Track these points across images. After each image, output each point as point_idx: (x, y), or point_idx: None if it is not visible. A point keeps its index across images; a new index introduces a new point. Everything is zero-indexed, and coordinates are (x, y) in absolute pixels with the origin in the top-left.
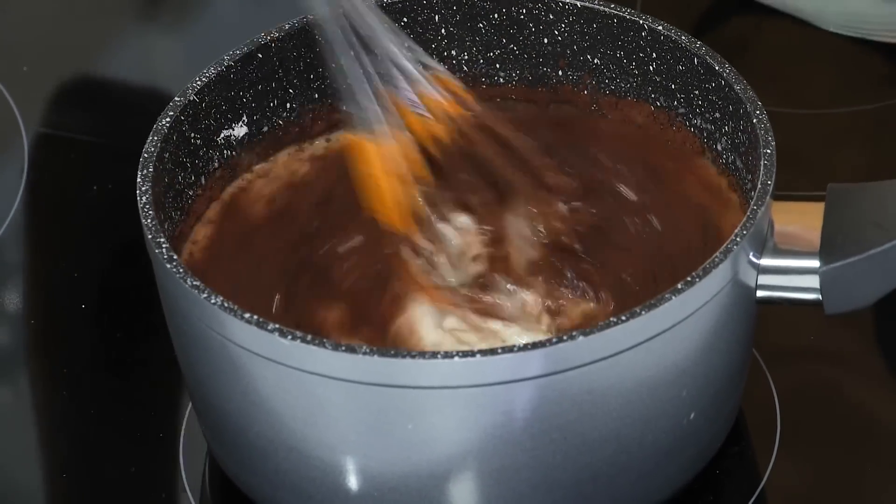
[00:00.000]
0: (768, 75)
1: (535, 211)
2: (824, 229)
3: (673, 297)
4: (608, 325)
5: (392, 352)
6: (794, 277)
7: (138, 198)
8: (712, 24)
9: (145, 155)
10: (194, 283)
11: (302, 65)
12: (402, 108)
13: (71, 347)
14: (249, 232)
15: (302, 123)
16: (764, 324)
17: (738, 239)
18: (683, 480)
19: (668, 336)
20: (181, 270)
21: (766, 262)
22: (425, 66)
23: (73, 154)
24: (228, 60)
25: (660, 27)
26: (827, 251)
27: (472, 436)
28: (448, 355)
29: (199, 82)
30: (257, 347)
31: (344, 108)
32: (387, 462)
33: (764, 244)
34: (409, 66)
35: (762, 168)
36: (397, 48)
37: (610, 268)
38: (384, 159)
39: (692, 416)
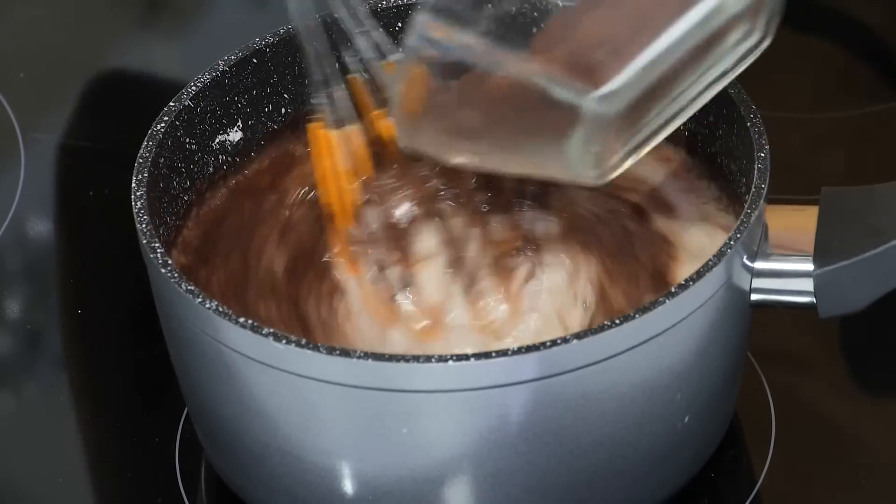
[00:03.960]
0: (764, 80)
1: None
2: (818, 233)
3: (667, 301)
4: (602, 329)
5: (386, 356)
6: (788, 281)
7: (133, 203)
8: None
9: (140, 160)
10: (189, 287)
11: (297, 69)
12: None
13: (68, 352)
14: (246, 236)
15: (297, 128)
16: (759, 327)
17: (732, 243)
18: (678, 484)
19: (663, 339)
20: (176, 275)
21: (760, 265)
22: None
23: (69, 159)
24: (223, 66)
25: None
26: (821, 255)
27: (466, 439)
28: (442, 359)
29: (194, 87)
30: (252, 352)
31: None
32: (381, 466)
33: (758, 248)
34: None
35: (756, 172)
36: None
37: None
38: (339, 152)
39: (687, 419)
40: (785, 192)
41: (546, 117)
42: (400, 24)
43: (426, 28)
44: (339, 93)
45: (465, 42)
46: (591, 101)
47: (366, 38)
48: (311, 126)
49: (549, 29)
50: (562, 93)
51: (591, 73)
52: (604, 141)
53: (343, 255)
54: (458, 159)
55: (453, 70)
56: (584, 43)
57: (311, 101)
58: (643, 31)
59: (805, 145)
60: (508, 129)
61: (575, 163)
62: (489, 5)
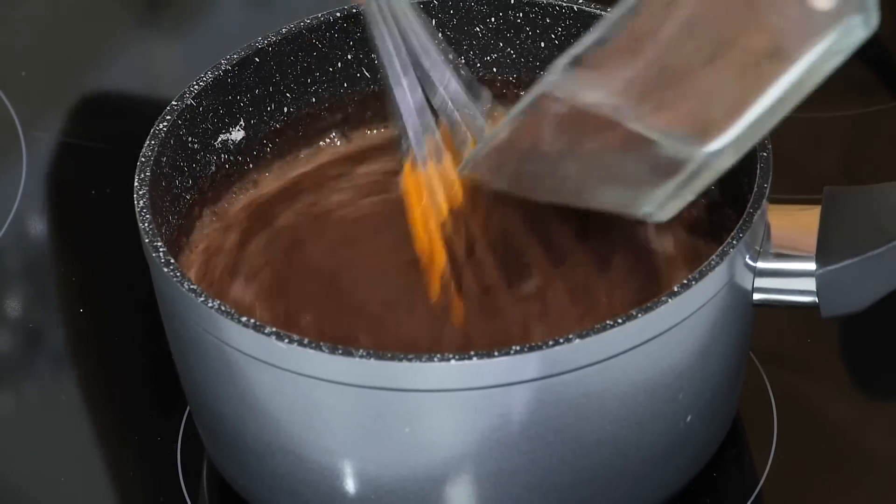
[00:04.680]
0: None
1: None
2: (820, 232)
3: (669, 300)
4: (604, 328)
5: (388, 355)
6: (791, 280)
7: (135, 202)
8: None
9: (142, 159)
10: (191, 286)
11: (299, 69)
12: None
13: (69, 351)
14: (247, 236)
15: (299, 128)
16: (761, 326)
17: (734, 242)
18: (680, 483)
19: (665, 339)
20: (178, 274)
21: (762, 265)
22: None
23: (70, 158)
24: (226, 65)
25: None
26: (823, 254)
27: (468, 439)
28: (444, 358)
29: (196, 86)
30: (254, 351)
31: (399, 131)
32: (383, 465)
33: (760, 247)
34: (462, 96)
35: (758, 171)
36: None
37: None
38: (420, 192)
39: (689, 418)
40: (787, 191)
41: (645, 166)
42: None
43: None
44: (430, 134)
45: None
46: (703, 154)
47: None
48: (403, 175)
49: (661, 84)
50: (676, 146)
51: (705, 129)
52: (697, 191)
53: (440, 300)
54: (524, 193)
55: (573, 119)
56: (697, 98)
57: (403, 145)
58: (754, 86)
59: (808, 144)
60: (596, 173)
61: (655, 204)
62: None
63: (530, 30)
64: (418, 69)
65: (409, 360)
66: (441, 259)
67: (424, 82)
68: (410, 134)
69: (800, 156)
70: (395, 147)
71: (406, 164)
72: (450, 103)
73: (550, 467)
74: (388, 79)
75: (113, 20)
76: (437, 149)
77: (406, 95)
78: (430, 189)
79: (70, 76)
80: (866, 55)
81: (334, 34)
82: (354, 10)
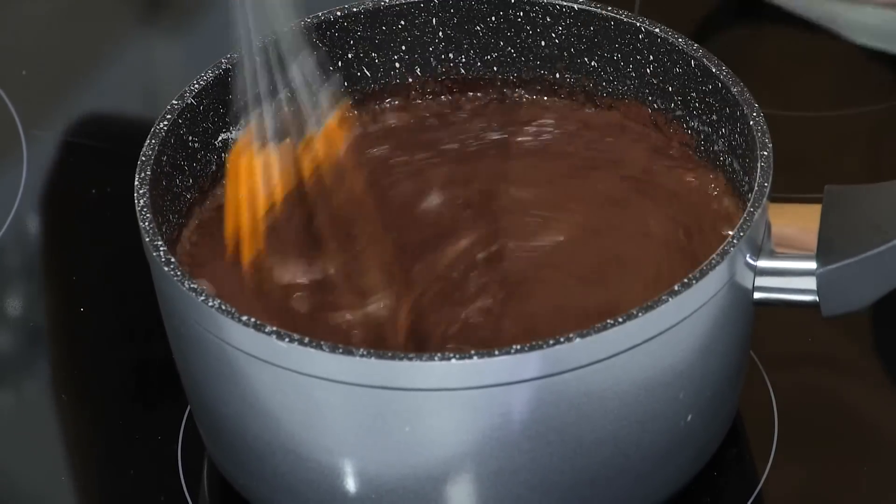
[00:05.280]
0: (767, 78)
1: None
2: (821, 231)
3: (670, 300)
4: (605, 327)
5: (389, 354)
6: (791, 279)
7: (136, 201)
8: (713, 29)
9: (143, 158)
10: (191, 285)
11: None
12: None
13: (69, 350)
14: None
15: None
16: (761, 326)
17: (734, 241)
18: (681, 483)
19: (666, 338)
20: (178, 273)
21: (762, 264)
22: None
23: (71, 157)
24: (226, 64)
25: (657, 29)
26: (824, 253)
27: (469, 438)
28: (445, 357)
29: (196, 85)
30: (254, 350)
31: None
32: (384, 464)
33: (761, 246)
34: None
35: (759, 170)
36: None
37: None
38: (260, 177)
39: (689, 418)
40: (788, 190)
41: None
42: (402, 23)
43: None
44: (270, 113)
45: None
46: None
47: (301, 63)
48: (232, 156)
49: None
50: None
51: None
52: None
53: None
54: None
55: None
56: None
57: (236, 123)
58: None
59: (808, 143)
60: None
61: None
62: None
63: (531, 29)
64: (272, 47)
65: (410, 359)
66: (254, 245)
67: (276, 63)
68: (256, 111)
69: (800, 154)
70: (394, 144)
71: (237, 142)
72: (296, 85)
73: (551, 466)
74: (242, 54)
75: (113, 20)
76: (281, 129)
77: (255, 72)
78: (267, 170)
79: (70, 76)
80: (876, 52)
81: (334, 34)
82: (355, 10)
